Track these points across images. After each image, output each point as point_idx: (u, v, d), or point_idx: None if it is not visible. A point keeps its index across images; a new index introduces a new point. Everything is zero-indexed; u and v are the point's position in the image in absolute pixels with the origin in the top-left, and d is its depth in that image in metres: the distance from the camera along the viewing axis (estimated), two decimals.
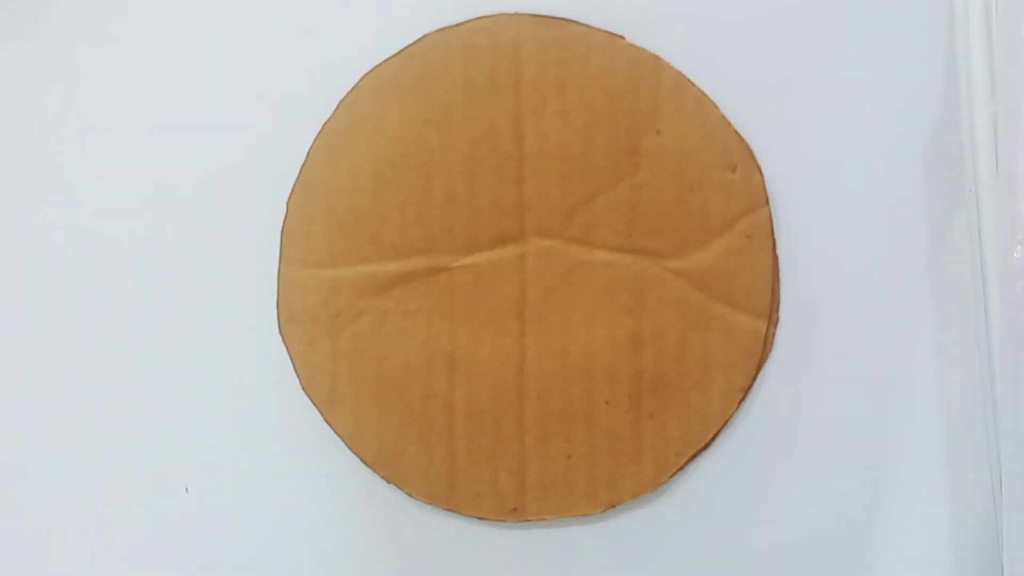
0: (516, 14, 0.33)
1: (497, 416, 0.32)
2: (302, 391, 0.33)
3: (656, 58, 0.33)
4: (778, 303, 0.32)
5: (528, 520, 0.32)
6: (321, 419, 0.33)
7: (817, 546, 0.32)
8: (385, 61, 0.33)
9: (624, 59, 0.33)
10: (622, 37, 0.33)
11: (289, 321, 0.33)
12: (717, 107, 0.33)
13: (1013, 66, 0.30)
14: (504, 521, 0.32)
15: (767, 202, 0.32)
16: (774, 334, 0.32)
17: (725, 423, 0.32)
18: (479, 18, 0.33)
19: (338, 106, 0.33)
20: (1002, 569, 0.31)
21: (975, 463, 0.32)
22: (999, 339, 0.30)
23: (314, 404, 0.33)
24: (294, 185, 0.33)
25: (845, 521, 0.32)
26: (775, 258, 0.32)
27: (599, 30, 0.33)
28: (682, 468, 0.32)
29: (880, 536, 0.32)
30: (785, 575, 0.32)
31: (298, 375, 0.33)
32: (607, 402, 0.32)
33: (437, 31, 0.33)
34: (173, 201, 0.34)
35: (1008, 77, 0.30)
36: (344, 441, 0.32)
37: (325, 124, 0.33)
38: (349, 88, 0.33)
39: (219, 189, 0.34)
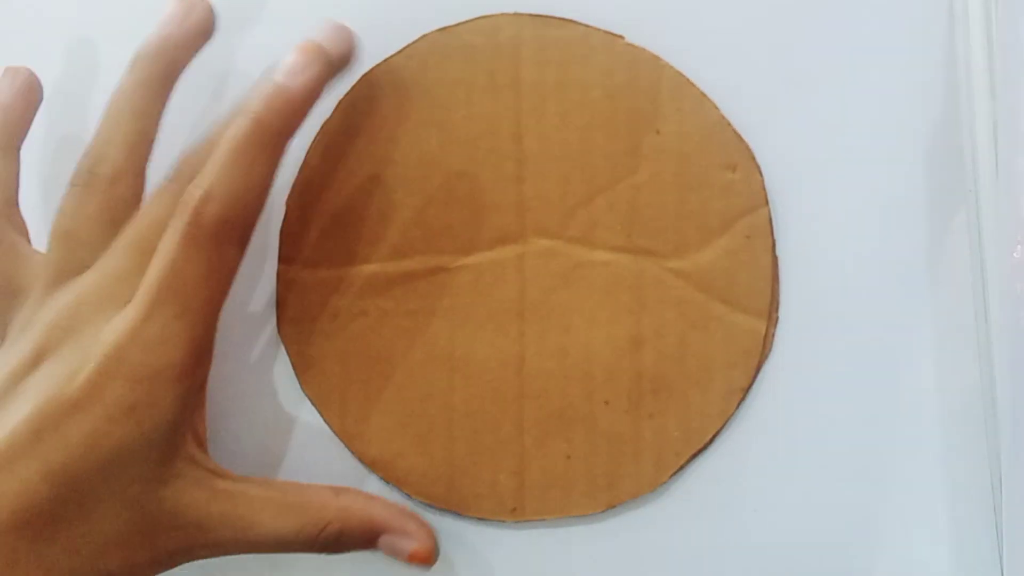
0: (516, 14, 0.33)
1: (496, 416, 0.32)
2: (302, 391, 0.33)
3: (656, 58, 0.33)
4: (778, 303, 0.32)
5: (527, 520, 0.32)
6: (321, 419, 0.33)
7: (817, 546, 0.32)
8: (384, 61, 0.33)
9: (624, 59, 0.33)
10: (622, 37, 0.33)
11: (289, 321, 0.33)
12: (717, 107, 0.33)
13: (1013, 66, 0.30)
14: (503, 521, 0.32)
15: (767, 202, 0.32)
16: (774, 334, 0.32)
17: (725, 423, 0.32)
18: (479, 18, 0.33)
19: (337, 106, 0.33)
20: (1002, 569, 0.31)
21: (975, 463, 0.32)
22: (999, 339, 0.30)
23: (313, 404, 0.33)
24: (293, 185, 0.33)
25: (845, 521, 0.32)
26: (775, 258, 0.32)
27: (599, 30, 0.33)
28: (682, 468, 0.32)
29: (880, 536, 0.32)
30: (785, 575, 0.32)
31: (298, 375, 0.33)
32: (607, 402, 0.32)
33: (437, 31, 0.33)
34: None
35: (1008, 77, 0.30)
36: (344, 441, 0.32)
37: (324, 124, 0.33)
38: (348, 88, 0.33)
39: None
